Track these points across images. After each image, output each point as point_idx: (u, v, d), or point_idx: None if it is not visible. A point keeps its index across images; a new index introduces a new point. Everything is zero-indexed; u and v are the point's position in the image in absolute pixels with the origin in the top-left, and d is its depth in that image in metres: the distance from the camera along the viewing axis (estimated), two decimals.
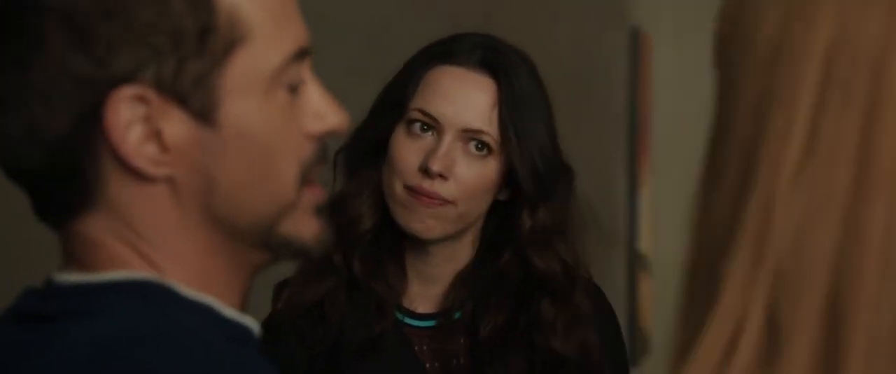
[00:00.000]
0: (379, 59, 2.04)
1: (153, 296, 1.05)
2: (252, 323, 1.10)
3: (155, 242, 1.06)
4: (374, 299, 1.97)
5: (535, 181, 1.93)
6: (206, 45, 1.03)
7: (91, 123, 1.03)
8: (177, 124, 1.04)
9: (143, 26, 1.02)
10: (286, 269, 1.98)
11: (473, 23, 2.05)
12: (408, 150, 1.93)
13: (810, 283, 0.82)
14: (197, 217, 1.06)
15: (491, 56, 1.95)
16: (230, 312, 1.08)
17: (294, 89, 1.08)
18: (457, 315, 1.98)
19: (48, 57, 1.02)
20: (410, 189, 1.92)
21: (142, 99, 1.02)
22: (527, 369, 1.95)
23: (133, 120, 1.03)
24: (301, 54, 1.08)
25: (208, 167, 1.05)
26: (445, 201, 1.91)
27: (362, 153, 1.97)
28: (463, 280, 1.99)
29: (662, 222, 4.17)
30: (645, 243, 4.08)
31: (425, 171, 1.90)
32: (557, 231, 1.96)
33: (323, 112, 1.10)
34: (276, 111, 1.06)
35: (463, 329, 1.98)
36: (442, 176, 1.90)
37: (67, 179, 1.05)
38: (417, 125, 1.93)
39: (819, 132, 0.83)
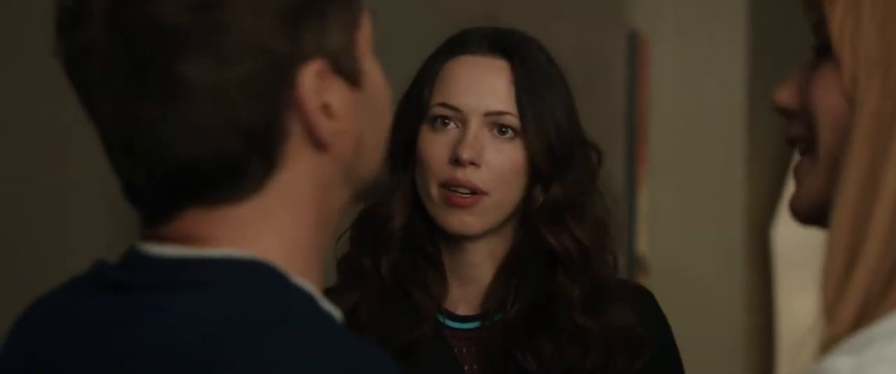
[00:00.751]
0: (381, 58, 2.04)
1: (264, 277, 1.07)
2: (339, 313, 1.11)
3: (295, 225, 1.09)
4: (413, 304, 1.95)
5: (548, 156, 1.92)
6: (351, 12, 1.11)
7: (285, 103, 1.07)
8: (339, 93, 1.09)
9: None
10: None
11: (475, 23, 2.05)
12: (435, 145, 1.92)
13: None
14: (337, 184, 1.12)
15: (501, 39, 1.96)
16: (325, 302, 1.10)
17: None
18: (497, 317, 1.96)
19: (246, 42, 1.04)
20: (445, 187, 1.90)
21: (320, 73, 1.08)
22: (556, 351, 1.92)
23: (315, 94, 1.08)
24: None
25: (360, 129, 1.11)
26: (479, 194, 1.90)
27: (390, 161, 1.96)
28: (503, 278, 1.96)
29: (660, 224, 4.18)
30: (643, 245, 4.09)
31: (456, 161, 1.90)
32: (571, 209, 1.94)
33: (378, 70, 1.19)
34: (379, 68, 1.16)
35: (503, 330, 1.95)
36: (473, 164, 1.89)
37: (260, 162, 1.07)
38: (440, 119, 1.93)
39: None
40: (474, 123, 1.90)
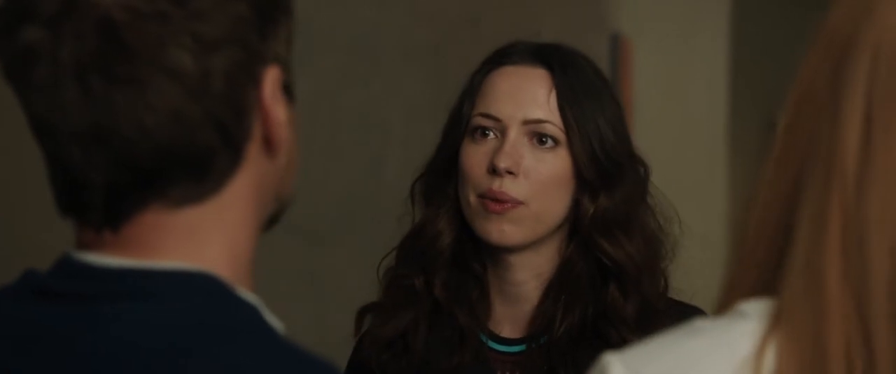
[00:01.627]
0: (366, 62, 2.05)
1: (211, 289, 1.07)
2: (280, 325, 1.11)
3: (240, 233, 1.10)
4: (457, 326, 1.92)
5: (593, 166, 1.88)
6: (292, 30, 1.12)
7: (253, 101, 1.08)
8: (283, 105, 1.10)
9: (286, 5, 1.10)
10: (369, 294, 1.98)
11: (458, 27, 2.05)
12: (474, 155, 1.89)
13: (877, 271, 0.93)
14: (270, 197, 1.13)
15: (543, 50, 1.93)
16: (268, 314, 1.10)
17: None
18: (543, 339, 1.91)
19: (225, 31, 1.05)
20: (483, 197, 1.88)
21: (276, 80, 1.09)
22: None
23: (273, 98, 1.10)
24: None
25: (292, 141, 1.12)
26: (517, 202, 1.87)
27: (436, 177, 1.94)
28: (551, 298, 1.91)
29: None
30: None
31: (493, 170, 1.86)
32: (620, 223, 1.91)
33: None
34: None
35: (548, 351, 1.91)
36: (511, 173, 1.86)
37: (227, 159, 1.08)
38: (480, 130, 1.90)
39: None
40: (513, 132, 1.88)
